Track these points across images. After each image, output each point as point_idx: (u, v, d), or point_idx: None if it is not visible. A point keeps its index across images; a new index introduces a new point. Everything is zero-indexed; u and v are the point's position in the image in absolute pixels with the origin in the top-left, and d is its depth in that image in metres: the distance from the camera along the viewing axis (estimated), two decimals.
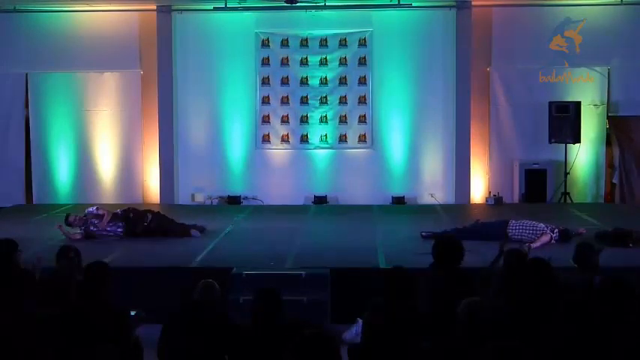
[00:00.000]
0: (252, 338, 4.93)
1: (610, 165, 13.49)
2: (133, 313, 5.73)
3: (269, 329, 4.88)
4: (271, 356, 4.66)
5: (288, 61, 13.43)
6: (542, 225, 9.15)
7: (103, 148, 13.63)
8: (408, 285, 5.37)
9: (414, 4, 12.97)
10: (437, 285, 5.76)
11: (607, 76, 13.21)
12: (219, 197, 13.48)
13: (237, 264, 8.10)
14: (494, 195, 12.93)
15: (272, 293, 5.08)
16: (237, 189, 13.48)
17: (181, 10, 13.38)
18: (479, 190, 13.39)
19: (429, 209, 12.52)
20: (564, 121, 12.78)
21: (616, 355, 4.45)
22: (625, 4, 13.08)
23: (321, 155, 13.58)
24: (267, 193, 13.43)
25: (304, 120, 13.47)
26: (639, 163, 13.27)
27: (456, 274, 5.86)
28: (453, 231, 9.50)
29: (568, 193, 12.86)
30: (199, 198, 13.41)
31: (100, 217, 9.84)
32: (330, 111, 13.44)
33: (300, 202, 13.27)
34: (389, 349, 4.99)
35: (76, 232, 9.77)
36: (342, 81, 13.41)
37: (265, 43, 13.42)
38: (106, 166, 13.63)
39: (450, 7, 13.16)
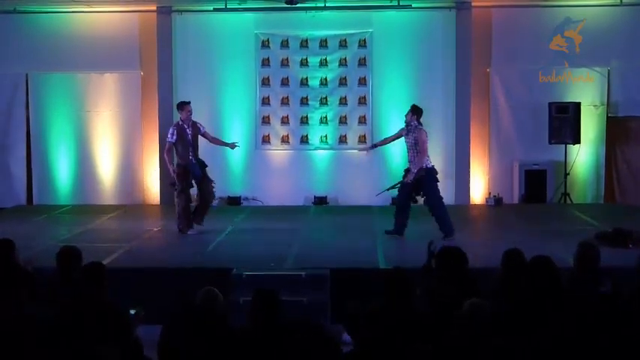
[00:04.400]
0: (252, 340, 4.93)
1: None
2: (132, 312, 5.73)
3: (268, 330, 4.87)
4: (271, 357, 4.65)
5: (288, 61, 13.43)
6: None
7: (103, 149, 13.62)
8: (408, 286, 5.37)
9: (413, 5, 12.98)
10: (435, 284, 5.76)
11: (607, 76, 13.21)
12: (220, 198, 13.43)
13: (238, 264, 8.11)
14: (494, 196, 12.92)
15: (270, 294, 5.07)
16: (237, 190, 13.48)
17: (181, 11, 13.38)
18: (479, 191, 13.38)
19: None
20: (564, 122, 12.77)
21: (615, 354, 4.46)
22: (625, 5, 13.07)
23: (321, 156, 13.58)
24: (267, 194, 13.42)
25: (304, 121, 13.46)
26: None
27: (456, 276, 5.86)
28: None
29: (568, 194, 12.85)
30: None
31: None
32: (330, 112, 13.44)
33: (300, 203, 13.27)
34: (388, 351, 4.98)
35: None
36: (342, 82, 13.41)
37: (265, 44, 13.42)
38: (106, 167, 13.63)
39: (449, 7, 13.16)
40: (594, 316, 4.69)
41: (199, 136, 10.28)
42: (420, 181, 9.51)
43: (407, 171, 9.67)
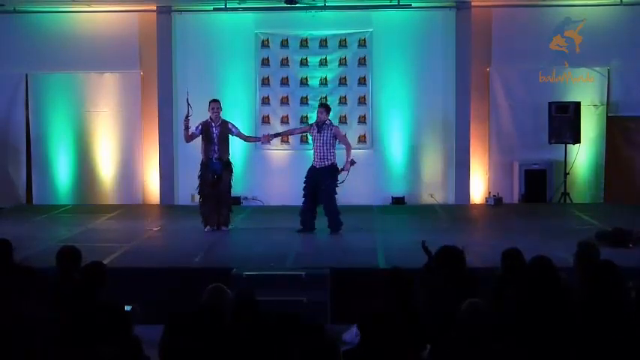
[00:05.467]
0: (249, 339, 4.93)
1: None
2: (128, 308, 5.72)
3: (252, 329, 4.87)
4: (271, 357, 4.65)
5: (287, 61, 13.42)
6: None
7: (103, 148, 13.62)
8: (407, 286, 5.36)
9: (413, 5, 12.98)
10: (435, 284, 5.75)
11: (607, 76, 13.21)
12: None
13: (238, 264, 8.12)
14: (494, 195, 12.93)
15: (246, 294, 5.06)
16: (237, 189, 13.38)
17: (181, 11, 13.38)
18: (479, 191, 13.38)
19: (429, 209, 12.52)
20: (564, 122, 12.77)
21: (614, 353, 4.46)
22: (625, 4, 13.07)
23: None
24: (267, 194, 13.42)
25: (304, 120, 13.43)
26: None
27: (456, 276, 5.85)
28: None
29: (568, 194, 12.85)
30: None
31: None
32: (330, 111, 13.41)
33: (300, 203, 13.22)
34: (387, 353, 4.97)
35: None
36: (342, 81, 13.41)
37: (265, 44, 13.42)
38: (106, 166, 13.63)
39: (449, 7, 13.16)
40: (597, 317, 4.69)
41: (233, 137, 10.46)
42: (323, 175, 10.03)
43: (313, 170, 10.18)
